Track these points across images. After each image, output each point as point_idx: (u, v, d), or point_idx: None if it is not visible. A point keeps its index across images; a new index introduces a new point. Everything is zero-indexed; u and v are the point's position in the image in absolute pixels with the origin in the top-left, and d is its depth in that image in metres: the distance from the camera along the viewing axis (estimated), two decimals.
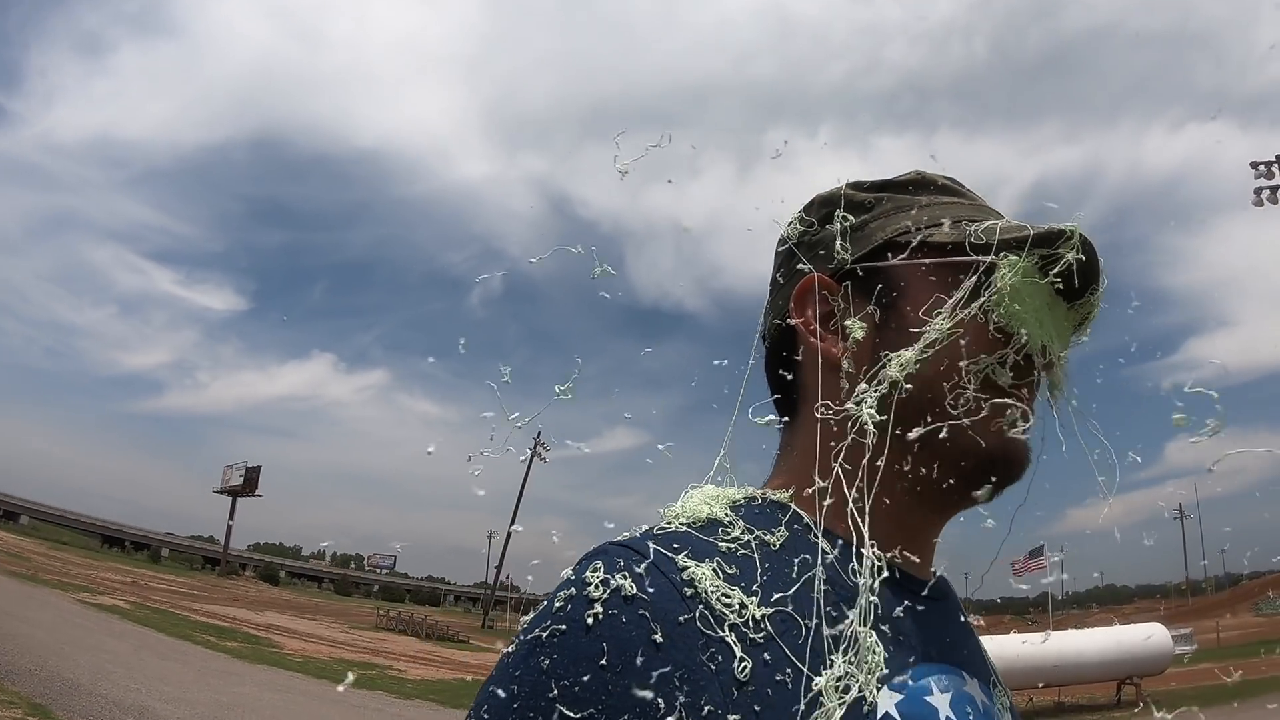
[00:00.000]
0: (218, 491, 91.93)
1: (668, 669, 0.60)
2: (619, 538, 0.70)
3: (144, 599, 31.22)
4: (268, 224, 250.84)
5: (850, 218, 0.85)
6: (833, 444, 0.79)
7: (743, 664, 0.62)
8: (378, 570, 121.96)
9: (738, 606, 0.65)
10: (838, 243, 0.84)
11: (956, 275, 0.79)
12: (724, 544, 0.71)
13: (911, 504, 0.80)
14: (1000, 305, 0.76)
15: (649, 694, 0.59)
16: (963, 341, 0.77)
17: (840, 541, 0.76)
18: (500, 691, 0.63)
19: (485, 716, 0.63)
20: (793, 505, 0.78)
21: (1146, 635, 19.31)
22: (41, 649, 13.71)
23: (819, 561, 0.72)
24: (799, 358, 0.85)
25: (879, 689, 0.68)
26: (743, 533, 0.73)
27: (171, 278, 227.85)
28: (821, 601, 0.69)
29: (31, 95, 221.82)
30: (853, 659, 0.67)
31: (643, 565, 0.65)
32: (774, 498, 0.80)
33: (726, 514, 0.75)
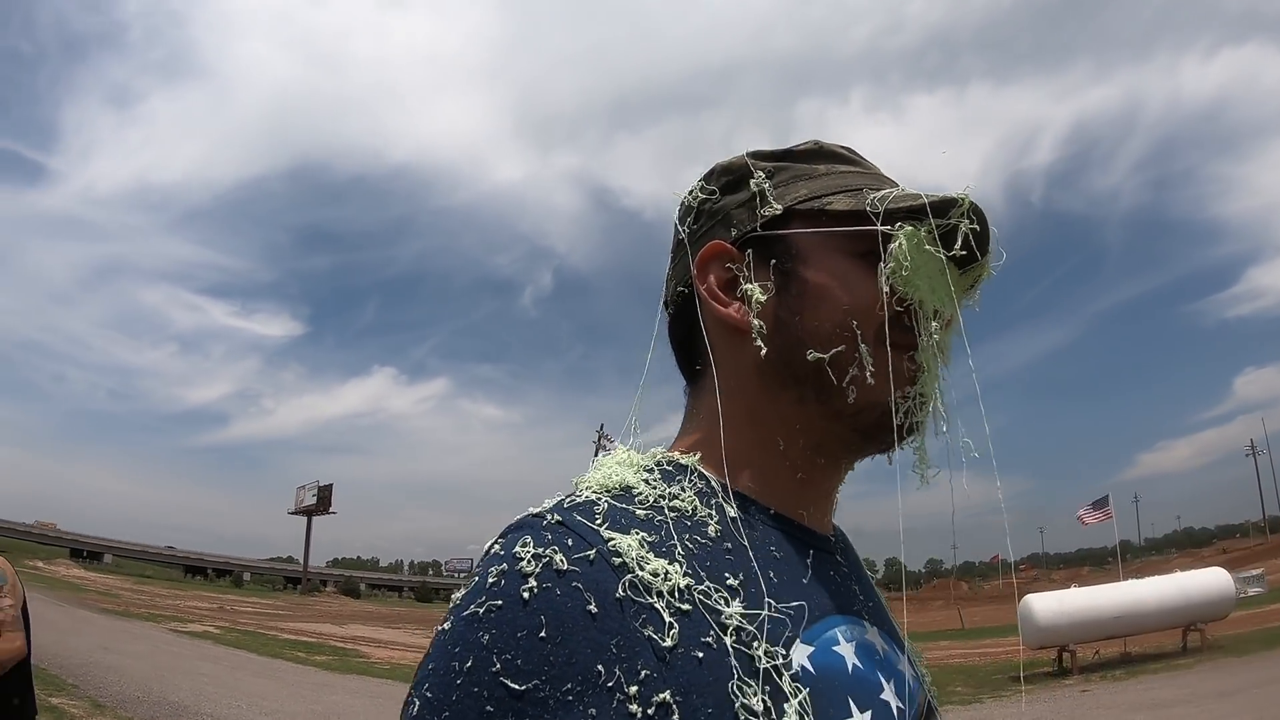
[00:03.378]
0: (293, 512, 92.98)
1: (605, 638, 0.62)
2: (539, 509, 0.72)
3: (232, 623, 31.71)
4: (314, 249, 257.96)
5: (754, 187, 0.86)
6: (739, 405, 0.84)
7: (672, 629, 0.64)
8: (456, 574, 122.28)
9: (662, 575, 0.67)
10: (751, 209, 0.86)
11: (853, 241, 0.82)
12: (641, 511, 0.73)
13: (811, 459, 0.83)
14: (897, 273, 0.80)
15: (590, 662, 0.61)
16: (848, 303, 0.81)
17: (747, 501, 0.80)
18: (441, 668, 0.64)
19: (428, 694, 0.63)
20: (699, 466, 0.81)
21: (1207, 579, 19.06)
22: (144, 677, 14.14)
23: (728, 523, 0.75)
24: (702, 323, 0.86)
25: (793, 641, 0.71)
26: (656, 499, 0.75)
27: (227, 310, 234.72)
28: (732, 562, 0.72)
29: (69, 151, 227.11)
30: (764, 614, 0.70)
31: (570, 539, 0.67)
32: (681, 460, 0.81)
33: (639, 479, 0.77)
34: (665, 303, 0.93)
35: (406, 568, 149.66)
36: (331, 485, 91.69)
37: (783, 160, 0.89)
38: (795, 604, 0.73)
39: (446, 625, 0.66)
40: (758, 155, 0.90)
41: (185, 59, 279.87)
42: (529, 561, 0.65)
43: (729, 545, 0.74)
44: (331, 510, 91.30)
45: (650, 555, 0.67)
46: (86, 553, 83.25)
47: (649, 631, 0.63)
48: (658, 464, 0.81)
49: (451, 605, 0.67)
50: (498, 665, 0.61)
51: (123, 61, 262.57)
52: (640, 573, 0.66)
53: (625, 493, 0.75)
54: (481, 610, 0.64)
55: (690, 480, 0.78)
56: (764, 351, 0.81)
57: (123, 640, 20.42)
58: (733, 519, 0.76)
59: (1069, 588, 21.05)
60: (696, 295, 0.86)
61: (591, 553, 0.66)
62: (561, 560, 0.64)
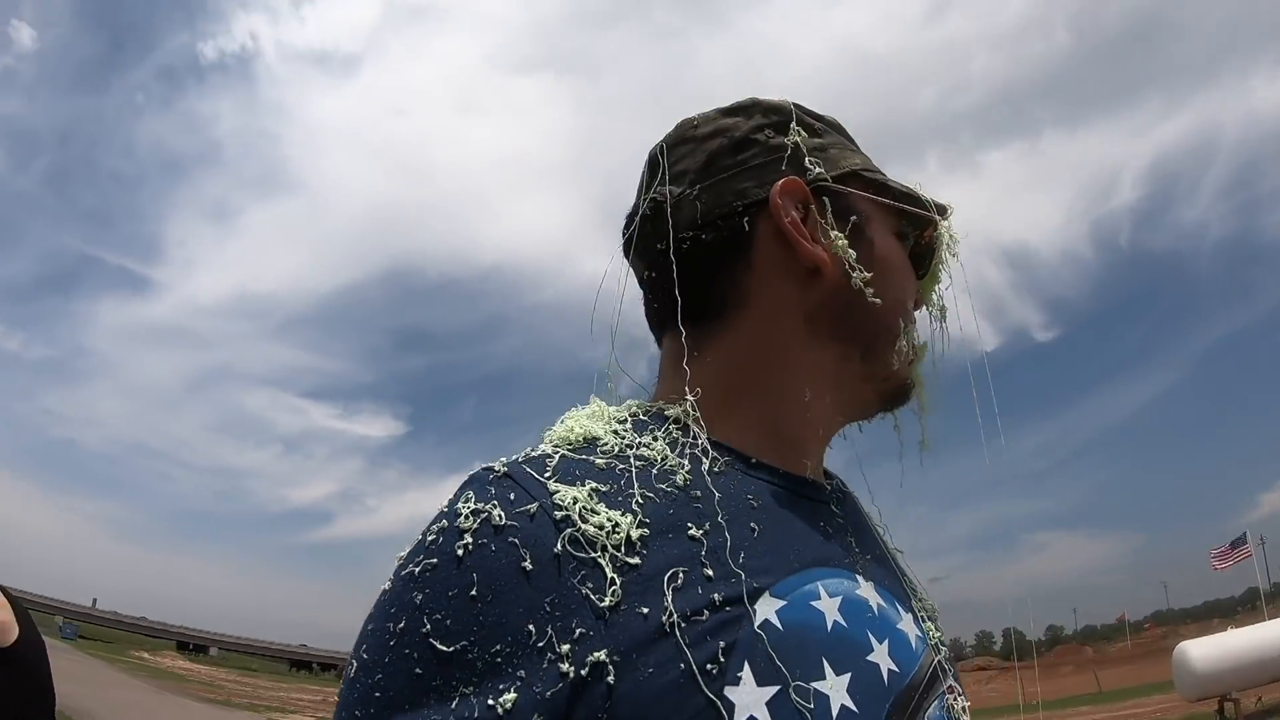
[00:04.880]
0: None
1: (539, 596, 0.60)
2: (493, 462, 0.68)
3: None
4: (411, 349, 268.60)
5: (821, 137, 0.86)
6: (774, 350, 0.81)
7: (612, 587, 0.61)
8: None
9: (610, 527, 0.63)
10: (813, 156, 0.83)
11: (897, 221, 0.86)
12: (601, 460, 0.69)
13: (832, 415, 0.84)
14: (942, 261, 0.90)
15: (521, 622, 0.59)
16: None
17: (726, 449, 0.75)
18: (377, 629, 0.62)
19: (364, 655, 0.62)
20: (689, 414, 0.76)
21: None
22: None
23: (700, 472, 0.71)
24: (752, 260, 0.81)
25: (759, 595, 0.65)
26: (623, 450, 0.71)
27: (329, 412, 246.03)
28: (699, 510, 0.68)
29: (172, 264, 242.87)
30: (724, 568, 0.65)
31: (514, 492, 0.64)
32: (663, 409, 0.78)
33: (607, 430, 0.74)
34: (682, 234, 0.83)
35: None
36: None
37: (823, 123, 0.88)
38: (767, 555, 0.69)
39: (386, 585, 0.65)
40: (802, 109, 0.87)
41: (278, 174, 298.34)
42: (467, 517, 0.63)
43: (698, 494, 0.70)
44: None
45: (601, 506, 0.65)
46: (192, 645, 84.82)
47: (587, 589, 0.61)
48: (631, 414, 0.78)
49: (395, 564, 0.66)
50: (428, 626, 0.60)
51: (219, 178, 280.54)
52: (584, 525, 0.63)
53: (588, 444, 0.72)
54: (418, 569, 0.63)
55: (666, 430, 0.76)
56: (865, 293, 0.80)
57: None
58: (706, 469, 0.72)
59: (1226, 630, 19.24)
60: (764, 229, 0.81)
61: (533, 506, 0.64)
62: (500, 515, 0.63)
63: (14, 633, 3.54)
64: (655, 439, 0.74)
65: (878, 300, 0.80)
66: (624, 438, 0.73)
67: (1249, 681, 16.71)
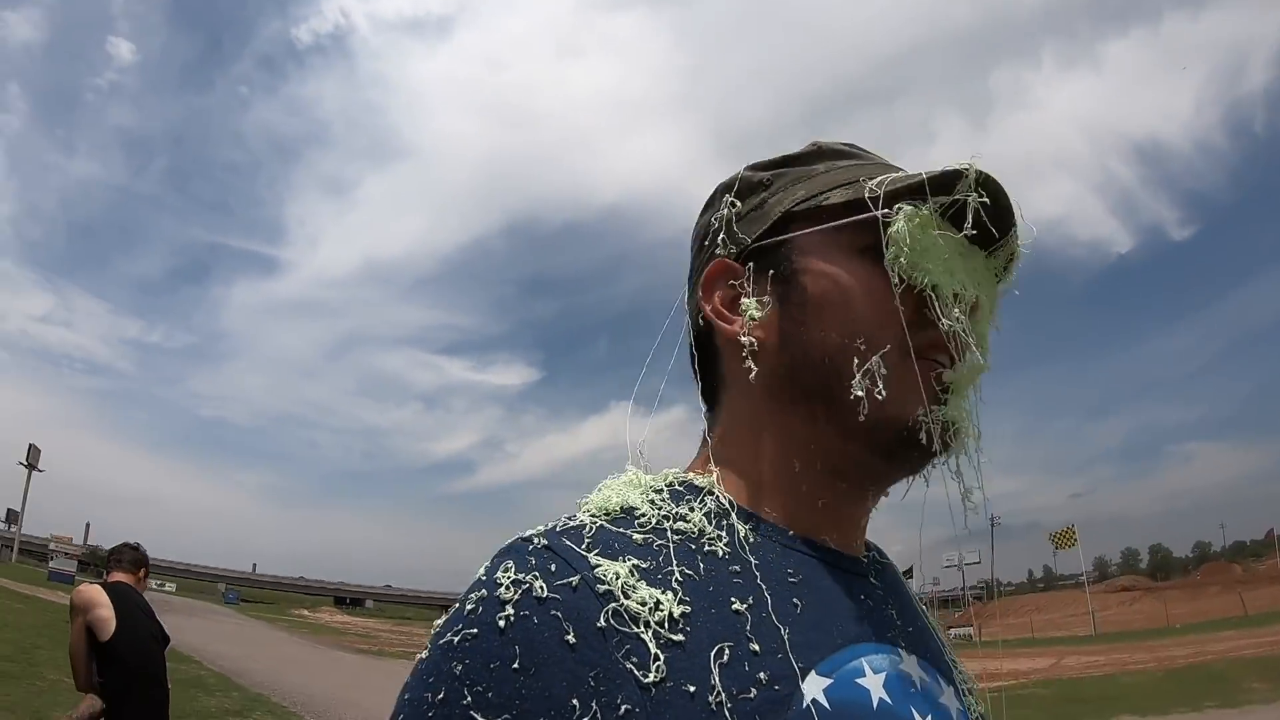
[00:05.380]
0: None
1: (583, 669, 0.58)
2: (530, 531, 0.67)
3: None
4: (539, 297, 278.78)
5: (738, 203, 0.83)
6: (753, 426, 0.78)
7: (656, 663, 0.59)
8: None
9: (653, 604, 0.62)
10: (735, 225, 0.82)
11: (855, 236, 0.76)
12: (639, 535, 0.67)
13: (831, 482, 0.76)
14: (898, 258, 0.73)
15: (565, 695, 0.57)
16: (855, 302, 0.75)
17: (762, 523, 0.73)
18: (415, 699, 0.60)
19: None
20: (713, 487, 0.75)
21: None
22: (386, 713, 13.44)
23: (738, 545, 0.69)
24: (719, 344, 0.82)
25: (805, 673, 0.64)
26: (660, 521, 0.69)
27: (464, 366, 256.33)
28: (740, 585, 0.66)
29: (297, 242, 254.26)
30: (770, 643, 0.63)
31: (554, 564, 0.62)
32: (695, 481, 0.76)
33: (645, 500, 0.72)
34: (690, 324, 0.87)
35: None
36: None
37: (780, 167, 0.84)
38: (811, 631, 0.67)
39: (424, 654, 0.64)
40: (755, 166, 0.86)
41: (388, 142, 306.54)
42: (508, 588, 0.61)
43: (737, 568, 0.68)
44: None
45: (641, 584, 0.63)
46: (349, 599, 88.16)
47: (631, 663, 0.59)
48: (668, 484, 0.76)
49: (432, 632, 0.64)
50: (469, 698, 0.58)
51: (332, 155, 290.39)
52: (626, 601, 0.61)
53: (626, 514, 0.70)
54: (457, 639, 0.61)
55: (701, 501, 0.74)
56: (753, 372, 0.76)
57: (373, 678, 20.68)
58: (743, 541, 0.70)
59: None
60: (704, 317, 0.82)
61: (575, 579, 0.62)
62: (542, 587, 0.61)
63: (111, 627, 4.28)
64: (692, 509, 0.71)
65: (796, 353, 0.75)
66: (661, 508, 0.70)
67: None
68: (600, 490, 0.73)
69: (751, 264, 0.80)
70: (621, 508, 0.70)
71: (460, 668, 0.59)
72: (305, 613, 65.07)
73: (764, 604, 0.65)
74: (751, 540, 0.70)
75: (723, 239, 0.82)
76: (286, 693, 15.17)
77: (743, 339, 0.77)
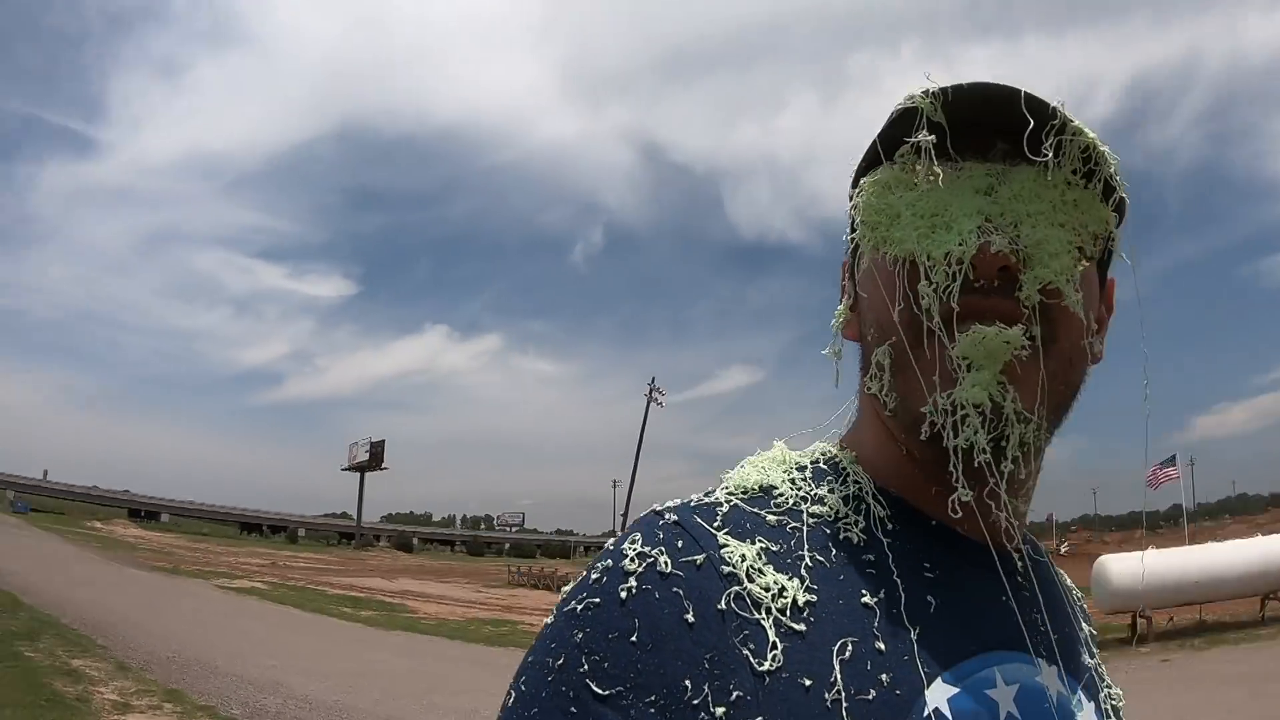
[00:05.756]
0: (346, 469, 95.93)
1: (699, 650, 0.57)
2: (665, 505, 0.66)
3: (282, 578, 32.30)
4: (365, 209, 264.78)
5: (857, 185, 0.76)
6: (869, 410, 0.75)
7: (773, 652, 0.58)
8: (508, 529, 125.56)
9: (777, 590, 0.60)
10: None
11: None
12: (773, 516, 0.66)
13: (927, 474, 0.69)
14: (862, 235, 0.71)
15: (679, 675, 0.56)
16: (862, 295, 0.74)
17: (904, 507, 0.70)
18: (537, 662, 0.61)
19: (523, 688, 0.61)
20: (853, 466, 0.72)
21: None
22: (180, 637, 14.01)
23: (875, 532, 0.67)
24: None
25: (930, 681, 0.61)
26: (797, 502, 0.68)
27: (280, 273, 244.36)
28: (873, 576, 0.64)
29: (119, 123, 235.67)
30: (897, 643, 0.61)
31: (682, 540, 0.62)
32: (839, 458, 0.74)
33: (786, 479, 0.70)
34: None
35: (459, 522, 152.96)
36: (384, 441, 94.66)
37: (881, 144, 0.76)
38: (944, 633, 0.64)
39: (550, 619, 0.64)
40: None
41: (229, 27, 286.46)
42: (633, 560, 0.61)
43: (871, 557, 0.66)
44: (384, 466, 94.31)
45: (768, 568, 0.61)
46: (144, 512, 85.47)
47: (749, 650, 0.58)
48: (814, 461, 0.74)
49: (560, 597, 0.64)
50: (586, 666, 0.58)
51: (167, 33, 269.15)
52: (749, 585, 0.60)
53: (764, 494, 0.69)
54: (580, 607, 0.61)
55: (842, 481, 0.71)
56: (836, 366, 0.78)
57: (167, 598, 20.61)
58: (880, 526, 0.68)
59: (1146, 548, 19.93)
60: None
61: (700, 557, 0.61)
62: (666, 562, 0.61)
63: None
64: (832, 490, 0.70)
65: (867, 337, 0.73)
66: (800, 488, 0.70)
67: (1162, 602, 17.27)
68: (743, 466, 0.72)
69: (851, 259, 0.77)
70: (760, 486, 0.69)
71: (581, 635, 0.59)
72: (98, 525, 62.87)
73: (897, 600, 0.63)
74: (889, 527, 0.68)
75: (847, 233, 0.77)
76: (78, 614, 15.12)
77: (835, 330, 0.78)
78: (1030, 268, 0.65)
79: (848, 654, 0.59)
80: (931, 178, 0.66)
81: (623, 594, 0.60)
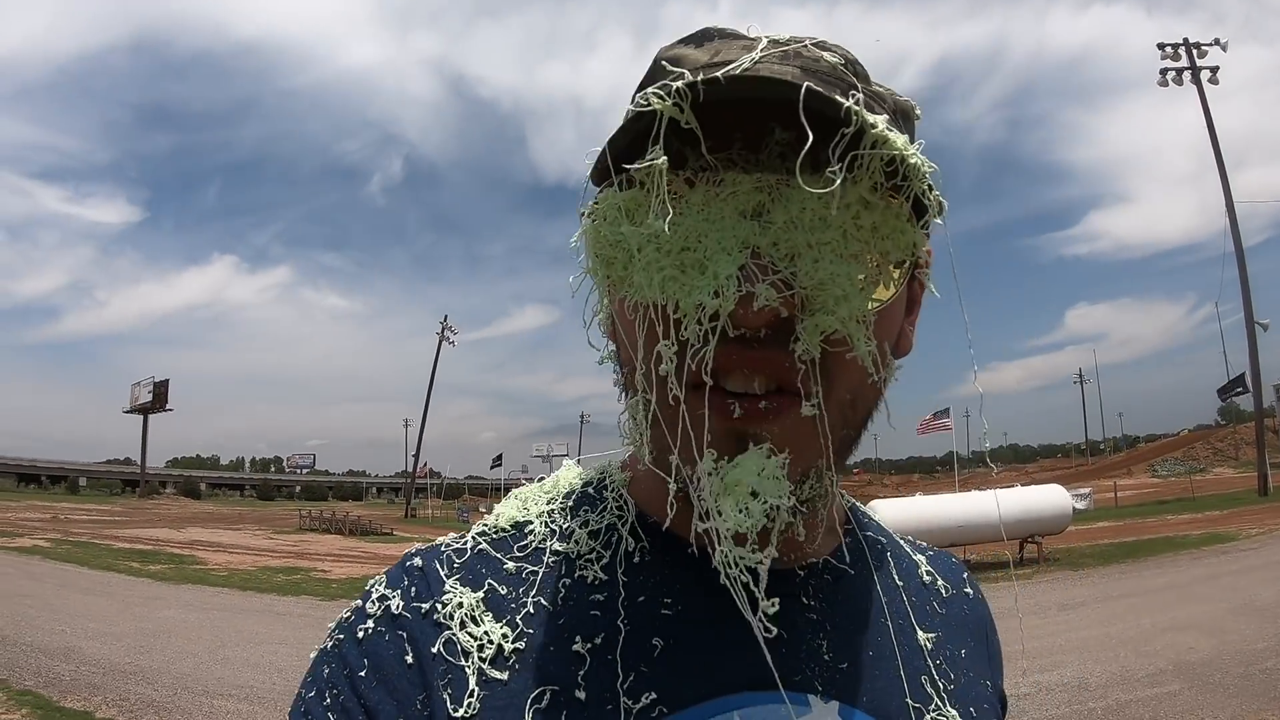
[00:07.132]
0: (128, 411, 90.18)
1: (414, 691, 0.62)
2: (419, 547, 0.71)
3: (65, 534, 30.66)
4: (154, 129, 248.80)
5: None
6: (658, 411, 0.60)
7: (469, 699, 0.61)
8: (298, 471, 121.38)
9: (484, 639, 0.63)
10: None
11: None
12: (512, 563, 0.68)
13: None
14: (594, 265, 0.60)
15: (394, 713, 0.61)
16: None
17: (663, 535, 0.67)
18: (301, 695, 0.66)
19: (289, 718, 0.65)
20: (624, 490, 0.72)
21: (1047, 496, 19.92)
22: None
23: (617, 569, 0.67)
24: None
25: None
26: (544, 539, 0.69)
27: (59, 195, 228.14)
28: (596, 619, 0.64)
29: None
30: (602, 692, 0.60)
31: (416, 586, 0.67)
32: (610, 481, 0.73)
33: (544, 512, 0.72)
34: None
35: (248, 465, 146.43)
36: (168, 381, 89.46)
37: None
38: (670, 677, 0.61)
39: (313, 652, 0.69)
40: None
41: None
42: (374, 602, 0.68)
43: (601, 597, 0.65)
44: (169, 407, 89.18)
45: (486, 616, 0.64)
46: None
47: (448, 695, 0.61)
48: (585, 484, 0.75)
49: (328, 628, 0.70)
50: (328, 700, 0.63)
51: None
52: (458, 632, 0.64)
53: (516, 531, 0.71)
54: (330, 644, 0.67)
55: (601, 512, 0.70)
56: (615, 370, 0.70)
57: None
58: (625, 562, 0.67)
59: (915, 496, 22.06)
60: None
61: (426, 605, 0.66)
62: (399, 605, 0.66)
63: None
64: (585, 524, 0.69)
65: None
66: (552, 523, 0.70)
67: (929, 542, 18.87)
68: (511, 498, 0.74)
69: None
70: (513, 524, 0.71)
71: (327, 671, 0.64)
72: None
73: (614, 644, 0.61)
74: (635, 560, 0.66)
75: None
76: None
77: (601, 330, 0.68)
78: (810, 313, 0.54)
79: (544, 703, 0.59)
80: (664, 216, 0.51)
81: (359, 634, 0.65)
